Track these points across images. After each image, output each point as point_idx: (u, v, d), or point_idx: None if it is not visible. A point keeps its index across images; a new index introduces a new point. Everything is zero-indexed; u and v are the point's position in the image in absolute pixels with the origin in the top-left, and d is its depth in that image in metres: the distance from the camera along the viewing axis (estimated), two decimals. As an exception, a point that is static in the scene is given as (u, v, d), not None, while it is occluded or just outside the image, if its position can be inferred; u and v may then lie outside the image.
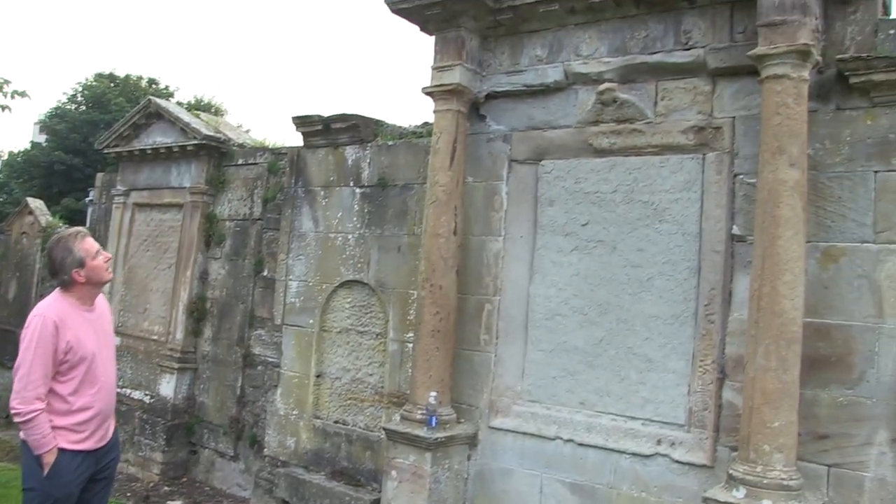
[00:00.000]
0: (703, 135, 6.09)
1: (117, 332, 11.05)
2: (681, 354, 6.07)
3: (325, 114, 8.77)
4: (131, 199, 11.58)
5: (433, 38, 7.24)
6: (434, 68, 7.13)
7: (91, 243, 4.65)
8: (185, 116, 10.82)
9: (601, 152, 6.59)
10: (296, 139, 9.34)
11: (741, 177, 5.91)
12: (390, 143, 8.38)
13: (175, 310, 10.35)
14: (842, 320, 5.40)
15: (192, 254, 10.33)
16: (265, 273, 9.51)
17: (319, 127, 8.81)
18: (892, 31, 5.55)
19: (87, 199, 21.12)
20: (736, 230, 5.88)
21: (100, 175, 13.46)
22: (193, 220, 10.39)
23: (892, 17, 5.86)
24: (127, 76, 35.07)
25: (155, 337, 10.80)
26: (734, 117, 5.99)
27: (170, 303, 10.53)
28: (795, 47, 5.26)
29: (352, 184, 8.57)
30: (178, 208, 10.73)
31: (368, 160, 8.47)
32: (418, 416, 6.81)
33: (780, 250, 5.19)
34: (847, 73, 5.48)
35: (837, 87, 5.60)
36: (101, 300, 4.84)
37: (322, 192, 8.83)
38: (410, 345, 7.58)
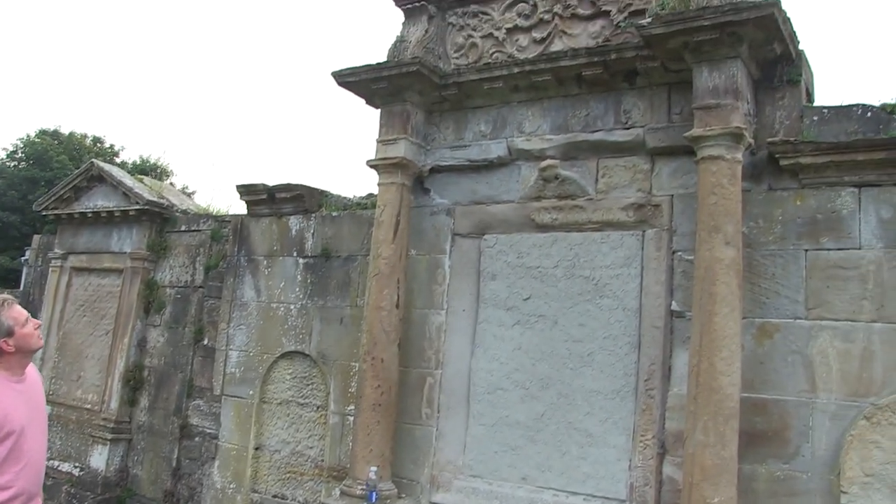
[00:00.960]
0: (643, 212, 6.19)
1: (48, 401, 10.62)
2: (622, 429, 6.04)
3: (270, 183, 8.73)
4: (69, 262, 11.24)
5: (379, 111, 7.30)
6: (379, 141, 7.17)
7: (19, 311, 4.45)
8: (128, 181, 10.63)
9: (543, 227, 6.64)
10: (240, 206, 9.24)
11: (679, 253, 6.00)
12: (335, 213, 8.34)
13: (111, 378, 9.99)
14: (777, 395, 5.45)
15: (130, 320, 10.04)
16: (205, 342, 9.28)
17: (264, 196, 8.73)
18: (815, 118, 5.78)
19: (23, 258, 20.49)
20: (675, 306, 5.94)
21: (37, 237, 13.09)
22: (133, 286, 10.13)
23: (815, 104, 6.10)
24: (71, 134, 34.47)
25: (88, 406, 10.38)
26: (672, 195, 6.11)
27: (105, 370, 10.17)
28: (729, 130, 5.43)
29: (295, 254, 8.47)
30: (118, 273, 10.46)
31: (312, 230, 8.40)
32: (358, 492, 6.62)
33: (717, 327, 5.24)
34: (777, 156, 5.68)
35: (769, 168, 5.78)
36: (31, 369, 4.61)
37: (265, 262, 8.71)
38: (352, 417, 7.41)
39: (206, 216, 10.08)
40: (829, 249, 5.46)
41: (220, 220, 9.76)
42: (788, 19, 5.58)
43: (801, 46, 5.95)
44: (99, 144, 34.87)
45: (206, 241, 9.74)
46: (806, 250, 5.53)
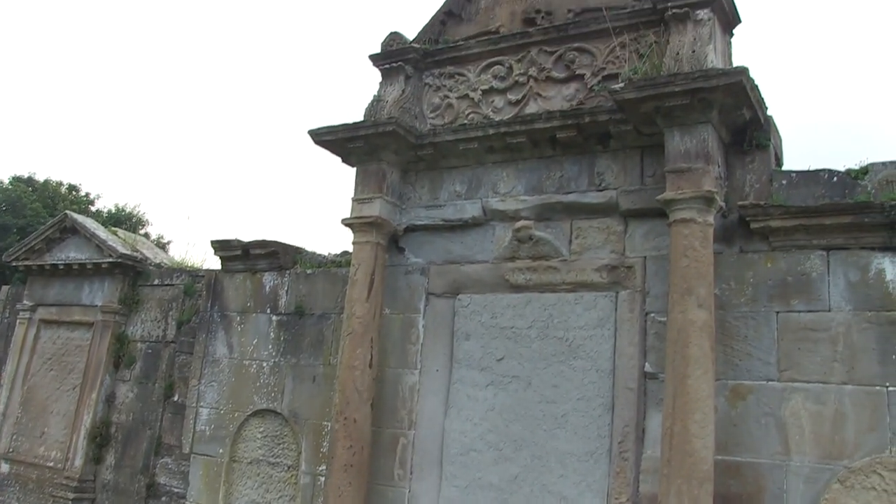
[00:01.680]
0: (616, 273, 6.21)
1: (7, 458, 10.31)
2: (595, 492, 5.96)
3: (245, 239, 8.69)
4: (38, 314, 11.02)
5: (354, 169, 7.33)
6: (354, 200, 7.18)
7: None
8: (102, 233, 10.53)
9: (517, 288, 6.64)
10: (215, 260, 9.18)
11: (652, 315, 6.01)
12: (309, 271, 8.30)
13: (76, 434, 9.74)
14: (751, 458, 5.41)
15: (99, 375, 9.83)
16: (175, 398, 9.10)
17: (238, 252, 8.68)
18: (784, 182, 5.90)
19: (-10, 309, 20.06)
20: (648, 368, 5.93)
21: (5, 288, 12.84)
22: (103, 340, 9.95)
23: (784, 168, 6.21)
24: (46, 181, 34.11)
25: (51, 464, 10.07)
26: (645, 257, 6.15)
27: (71, 426, 9.90)
28: (700, 193, 5.50)
29: (269, 310, 8.39)
30: (88, 327, 10.27)
31: (286, 287, 8.34)
32: (329, 556, 6.46)
33: (691, 389, 5.23)
34: (748, 219, 5.76)
35: (740, 230, 5.85)
36: None
37: (238, 318, 8.61)
38: (323, 478, 7.26)
39: (180, 270, 9.98)
40: (799, 311, 5.50)
41: (194, 274, 9.67)
42: (756, 86, 5.70)
43: (769, 112, 6.09)
44: (74, 192, 34.53)
45: (179, 295, 9.63)
46: (777, 312, 5.57)
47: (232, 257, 8.80)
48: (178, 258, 11.32)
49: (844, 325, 5.34)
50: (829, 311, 5.40)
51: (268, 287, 8.48)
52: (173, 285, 9.80)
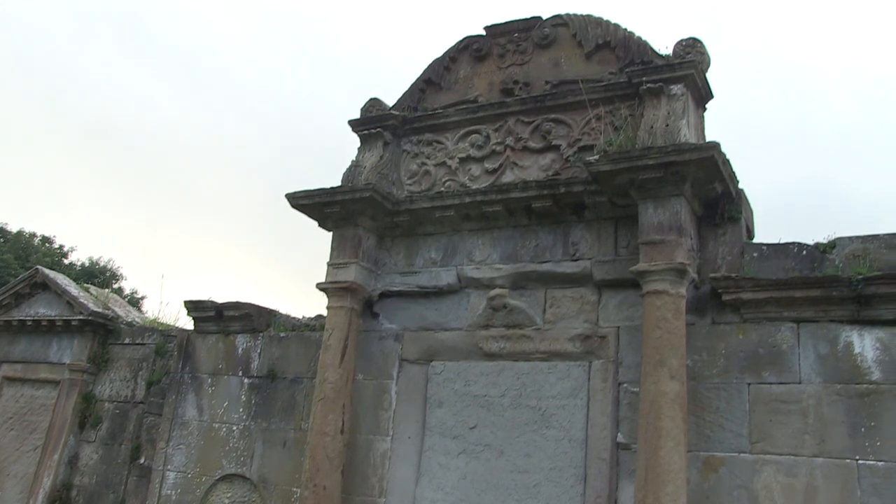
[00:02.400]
0: (590, 343, 6.22)
1: (-43, 525, 9.96)
2: (568, 566, 5.85)
3: (219, 300, 8.64)
4: (2, 371, 10.75)
5: (331, 234, 7.33)
6: (330, 264, 7.17)
7: None
8: (73, 290, 10.39)
9: (491, 356, 6.62)
10: (188, 318, 9.08)
11: (625, 385, 6.00)
12: (282, 334, 8.23)
13: (33, 499, 9.39)
14: (724, 532, 5.37)
15: (63, 435, 9.58)
16: (142, 461, 8.89)
17: (212, 313, 8.60)
18: (755, 254, 5.97)
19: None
20: (621, 438, 5.89)
21: (-30, 343, 12.60)
22: (70, 399, 9.74)
23: (755, 240, 6.30)
24: (19, 232, 33.72)
25: (5, 531, 9.75)
26: (619, 327, 6.17)
27: (28, 491, 9.57)
28: (673, 265, 5.55)
29: (241, 373, 8.28)
30: (55, 385, 10.04)
31: (259, 350, 8.26)
32: None
33: (663, 461, 5.20)
34: (720, 291, 5.81)
35: (712, 302, 5.90)
36: None
37: (210, 380, 8.49)
38: (290, 547, 7.09)
39: (152, 330, 9.85)
40: (770, 383, 5.53)
41: (166, 334, 9.56)
42: (728, 161, 5.82)
43: (741, 186, 6.19)
44: (48, 244, 34.14)
45: (150, 355, 9.49)
46: (749, 384, 5.59)
47: (205, 318, 8.72)
48: (150, 316, 11.19)
49: (815, 398, 5.37)
50: (800, 383, 5.44)
51: (240, 349, 8.39)
52: (144, 344, 9.66)
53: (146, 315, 11.51)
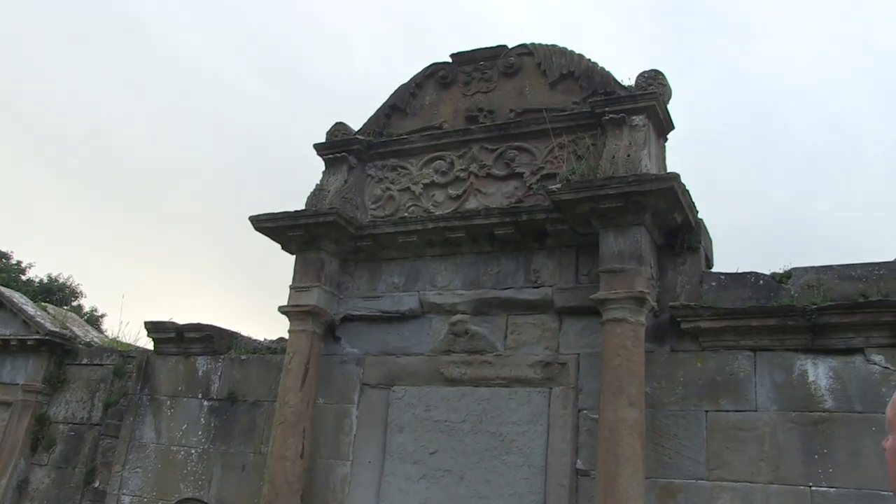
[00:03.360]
0: (550, 369, 6.25)
1: None
2: None
3: (180, 321, 8.54)
4: (-48, 392, 10.51)
5: (294, 257, 7.31)
6: (292, 287, 7.14)
7: None
8: (30, 308, 10.18)
9: (452, 381, 6.62)
10: (149, 339, 8.94)
11: (585, 412, 6.03)
12: (244, 357, 8.15)
13: (-24, 526, 9.16)
14: (682, 561, 5.40)
15: (12, 458, 9.31)
16: (96, 484, 8.69)
17: (172, 334, 8.49)
18: (714, 283, 6.05)
19: None
20: (580, 465, 5.91)
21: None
22: (22, 421, 9.48)
23: (714, 269, 6.39)
24: (-24, 247, 33.04)
25: (-56, 561, 9.43)
26: (579, 354, 6.21)
27: (-28, 517, 9.33)
28: (633, 294, 5.61)
29: (200, 395, 8.17)
30: (7, 406, 9.76)
31: (220, 372, 8.16)
32: None
33: (622, 488, 5.22)
34: (679, 319, 5.88)
35: (672, 330, 5.97)
36: None
37: (168, 402, 8.36)
38: (247, 574, 6.98)
39: (111, 350, 9.68)
40: (728, 411, 5.59)
41: (125, 355, 9.39)
42: (687, 192, 5.92)
43: (700, 216, 6.30)
44: (4, 260, 33.50)
45: (108, 376, 9.32)
46: (706, 411, 5.64)
47: (165, 339, 8.61)
48: (110, 336, 11.00)
49: (770, 426, 5.44)
50: (756, 410, 5.50)
51: (201, 371, 8.29)
52: (103, 365, 9.49)
53: (106, 335, 11.33)
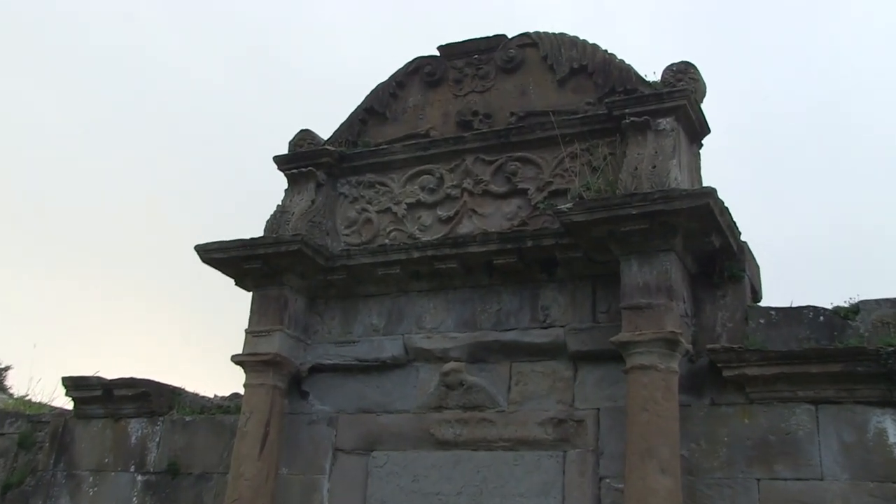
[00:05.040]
0: (564, 428, 6.37)
1: None
2: None
3: (108, 376, 8.56)
4: None
5: (251, 295, 7.48)
6: (249, 332, 7.30)
7: None
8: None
9: (444, 444, 6.72)
10: (68, 400, 8.89)
11: (607, 480, 6.13)
12: (188, 418, 8.19)
13: None
14: None
15: None
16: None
17: (98, 392, 8.49)
18: (762, 320, 6.18)
19: None
20: (604, 549, 6.02)
21: None
22: None
23: (762, 303, 6.54)
24: None
25: None
26: (598, 409, 6.34)
27: None
28: (662, 335, 5.76)
29: (133, 468, 8.19)
30: None
31: (158, 438, 8.21)
32: None
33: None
34: (720, 365, 5.97)
35: (711, 378, 6.08)
36: None
37: (91, 478, 8.35)
38: None
39: (15, 414, 9.54)
40: (785, 479, 5.65)
41: (35, 420, 9.26)
42: (727, 209, 6.08)
43: (743, 237, 6.47)
44: None
45: (10, 448, 9.11)
46: (758, 479, 5.72)
47: (89, 398, 8.59)
48: (16, 395, 10.97)
49: (842, 498, 5.45)
50: (822, 479, 5.55)
51: (134, 438, 8.33)
52: (4, 434, 9.33)
53: (10, 394, 11.31)
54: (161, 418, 8.32)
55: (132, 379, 8.47)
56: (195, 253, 7.44)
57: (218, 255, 7.37)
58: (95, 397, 8.62)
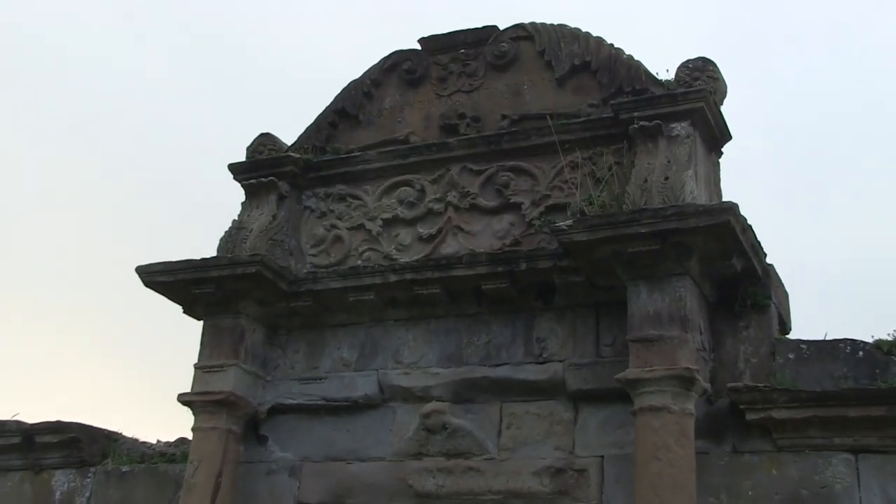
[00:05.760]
0: (563, 479, 6.29)
1: None
2: None
3: (29, 418, 8.47)
4: None
5: (201, 324, 7.40)
6: (199, 368, 7.20)
7: None
8: None
9: (425, 497, 6.63)
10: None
11: (615, 544, 6.06)
12: (125, 468, 8.06)
13: None
14: None
15: None
16: None
17: (17, 439, 8.32)
18: (791, 355, 6.11)
19: None
20: None
21: None
22: None
23: (790, 335, 6.50)
24: None
25: None
26: (602, 457, 6.26)
27: None
28: (676, 371, 5.68)
29: (57, 531, 8.07)
30: None
31: (88, 493, 8.07)
32: None
33: None
34: (743, 406, 5.88)
35: (733, 422, 6.00)
36: None
37: (0, 550, 8.23)
38: None
39: None
40: (822, 542, 5.56)
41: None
42: (750, 227, 6.03)
43: (769, 260, 6.42)
44: None
45: None
46: (794, 545, 5.62)
47: (5, 447, 8.43)
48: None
49: None
50: (868, 544, 5.48)
51: (59, 493, 8.18)
52: None
53: None
54: (93, 469, 8.19)
55: (58, 423, 8.31)
56: (137, 276, 7.33)
57: (163, 279, 7.27)
58: (13, 445, 8.44)
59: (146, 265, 7.30)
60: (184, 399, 7.14)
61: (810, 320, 6.86)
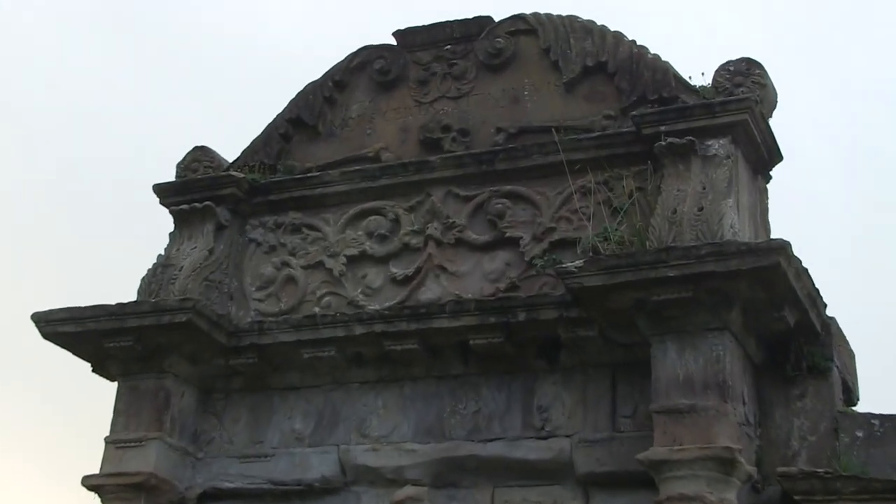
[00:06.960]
0: (569, 589, 6.20)
1: None
2: None
3: None
4: None
5: (115, 386, 7.30)
6: (111, 442, 7.10)
7: None
8: None
9: None
10: None
11: None
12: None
13: None
14: None
15: None
16: None
17: None
18: (860, 433, 6.03)
19: None
20: None
21: None
22: None
23: (858, 407, 6.44)
24: None
25: None
26: (620, 559, 6.17)
27: None
28: (713, 452, 5.57)
29: None
30: None
31: None
32: None
33: None
34: (798, 498, 5.78)
35: (787, 517, 5.91)
36: None
37: None
38: None
39: None
40: None
41: None
42: (805, 271, 5.97)
43: (830, 312, 6.35)
44: None
45: None
46: None
47: None
48: None
49: None
50: None
51: None
52: None
53: None
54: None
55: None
56: (33, 324, 7.22)
57: (67, 329, 7.15)
58: None
59: (46, 312, 7.20)
60: (90, 483, 7.00)
61: (884, 389, 6.80)
